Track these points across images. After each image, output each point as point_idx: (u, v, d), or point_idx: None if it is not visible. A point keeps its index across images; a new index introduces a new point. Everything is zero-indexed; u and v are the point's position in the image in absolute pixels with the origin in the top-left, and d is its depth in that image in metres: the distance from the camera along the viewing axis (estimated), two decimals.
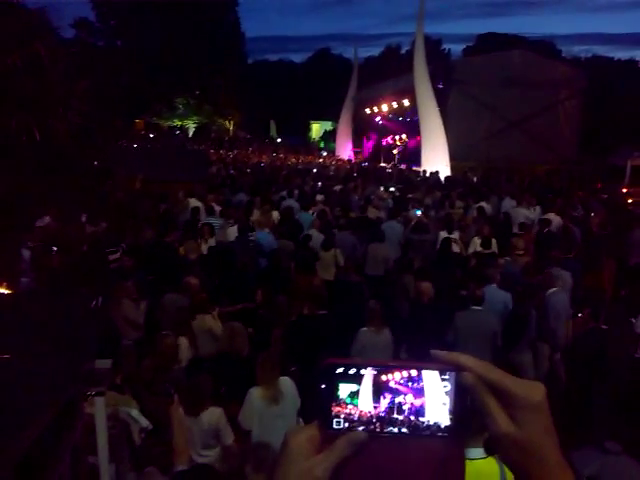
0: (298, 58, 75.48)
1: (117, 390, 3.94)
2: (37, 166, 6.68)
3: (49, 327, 2.56)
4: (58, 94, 6.80)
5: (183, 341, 5.14)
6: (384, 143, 30.71)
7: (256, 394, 4.17)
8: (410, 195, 12.99)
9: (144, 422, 3.71)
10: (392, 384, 0.65)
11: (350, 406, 0.65)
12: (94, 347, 2.49)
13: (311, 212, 10.29)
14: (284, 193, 12.43)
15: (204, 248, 8.13)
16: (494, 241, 8.56)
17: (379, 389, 0.65)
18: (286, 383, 4.29)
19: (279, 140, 45.12)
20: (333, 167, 23.57)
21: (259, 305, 6.58)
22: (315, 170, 21.34)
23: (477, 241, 8.64)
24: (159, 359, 4.67)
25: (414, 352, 5.63)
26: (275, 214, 10.11)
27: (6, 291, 4.75)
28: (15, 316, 2.79)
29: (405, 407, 0.65)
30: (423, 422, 0.65)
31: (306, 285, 6.57)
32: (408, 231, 9.25)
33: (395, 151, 29.08)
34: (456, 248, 8.57)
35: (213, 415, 3.88)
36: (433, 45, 46.96)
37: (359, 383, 0.65)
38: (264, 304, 6.18)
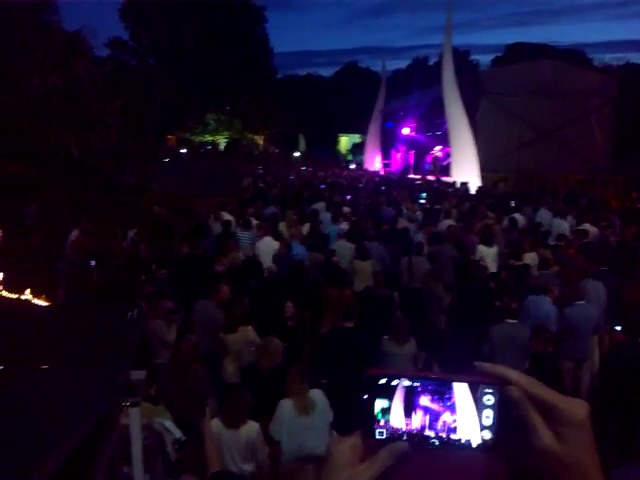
0: (326, 72, 76.31)
1: (151, 401, 3.99)
2: (74, 182, 6.88)
3: (86, 338, 2.61)
4: (94, 112, 7.02)
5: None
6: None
7: (286, 406, 4.20)
8: (438, 206, 12.91)
9: (178, 433, 3.73)
10: (424, 400, 0.65)
11: (382, 422, 0.65)
12: (130, 358, 2.53)
13: (345, 225, 10.30)
14: (317, 205, 12.45)
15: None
16: (533, 254, 8.36)
17: (411, 405, 0.65)
18: (317, 395, 4.29)
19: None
20: (364, 180, 23.56)
21: (289, 318, 6.57)
22: (344, 183, 21.39)
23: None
24: (178, 363, 4.82)
25: (449, 365, 5.56)
26: (306, 226, 10.15)
27: (44, 303, 4.88)
28: (53, 327, 2.85)
29: (437, 424, 0.65)
30: (455, 439, 0.64)
31: (336, 298, 6.57)
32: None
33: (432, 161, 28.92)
34: (488, 263, 8.44)
35: (252, 430, 3.91)
36: (461, 56, 46.81)
37: (391, 399, 0.65)
38: (295, 317, 6.19)
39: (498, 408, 0.64)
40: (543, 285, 6.74)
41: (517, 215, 11.39)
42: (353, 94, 47.91)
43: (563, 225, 10.68)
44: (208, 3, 39.90)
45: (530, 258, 8.22)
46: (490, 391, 0.64)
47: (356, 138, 47.00)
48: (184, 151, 38.66)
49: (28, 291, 4.79)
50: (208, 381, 4.95)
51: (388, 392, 0.65)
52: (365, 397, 0.65)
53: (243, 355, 5.59)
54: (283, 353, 5.05)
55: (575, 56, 43.16)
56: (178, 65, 38.75)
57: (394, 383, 0.65)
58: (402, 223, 10.71)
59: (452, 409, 0.64)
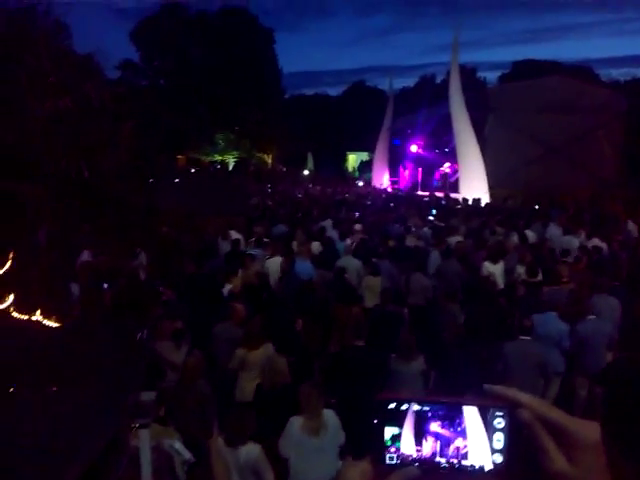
0: (334, 91, 77.03)
1: (160, 422, 3.96)
2: (85, 203, 6.95)
3: (96, 359, 2.61)
4: (106, 133, 7.13)
5: None
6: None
7: (297, 424, 4.13)
8: (443, 224, 12.87)
9: (187, 455, 3.70)
10: (434, 427, 0.64)
11: (392, 449, 0.64)
12: (140, 379, 2.52)
13: (349, 241, 10.28)
14: (324, 223, 12.44)
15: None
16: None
17: (421, 432, 0.64)
18: (330, 416, 4.22)
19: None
20: (370, 197, 23.59)
21: (299, 334, 6.54)
22: (352, 199, 21.43)
23: (521, 269, 8.45)
24: (182, 376, 4.91)
25: (460, 384, 5.49)
26: (316, 244, 10.13)
27: (55, 324, 4.89)
28: (63, 348, 2.86)
29: (448, 450, 0.64)
30: (467, 465, 0.64)
31: (345, 315, 6.54)
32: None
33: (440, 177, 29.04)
34: (497, 280, 8.40)
35: (251, 452, 3.81)
36: (468, 73, 46.93)
37: (401, 426, 0.64)
38: (305, 334, 6.16)
39: (509, 431, 0.63)
40: (549, 302, 6.68)
41: (527, 231, 11.34)
42: (361, 112, 48.11)
43: (573, 241, 10.61)
44: (218, 25, 40.58)
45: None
46: (500, 414, 0.63)
47: (364, 156, 47.13)
48: (194, 171, 38.99)
49: (39, 312, 4.81)
50: (210, 397, 4.93)
51: (398, 418, 0.64)
52: (375, 422, 0.65)
53: (266, 372, 5.51)
54: (290, 371, 5.02)
55: (582, 72, 43.15)
56: (188, 86, 39.26)
57: (403, 408, 0.65)
58: (411, 240, 10.68)
59: (463, 435, 0.64)
